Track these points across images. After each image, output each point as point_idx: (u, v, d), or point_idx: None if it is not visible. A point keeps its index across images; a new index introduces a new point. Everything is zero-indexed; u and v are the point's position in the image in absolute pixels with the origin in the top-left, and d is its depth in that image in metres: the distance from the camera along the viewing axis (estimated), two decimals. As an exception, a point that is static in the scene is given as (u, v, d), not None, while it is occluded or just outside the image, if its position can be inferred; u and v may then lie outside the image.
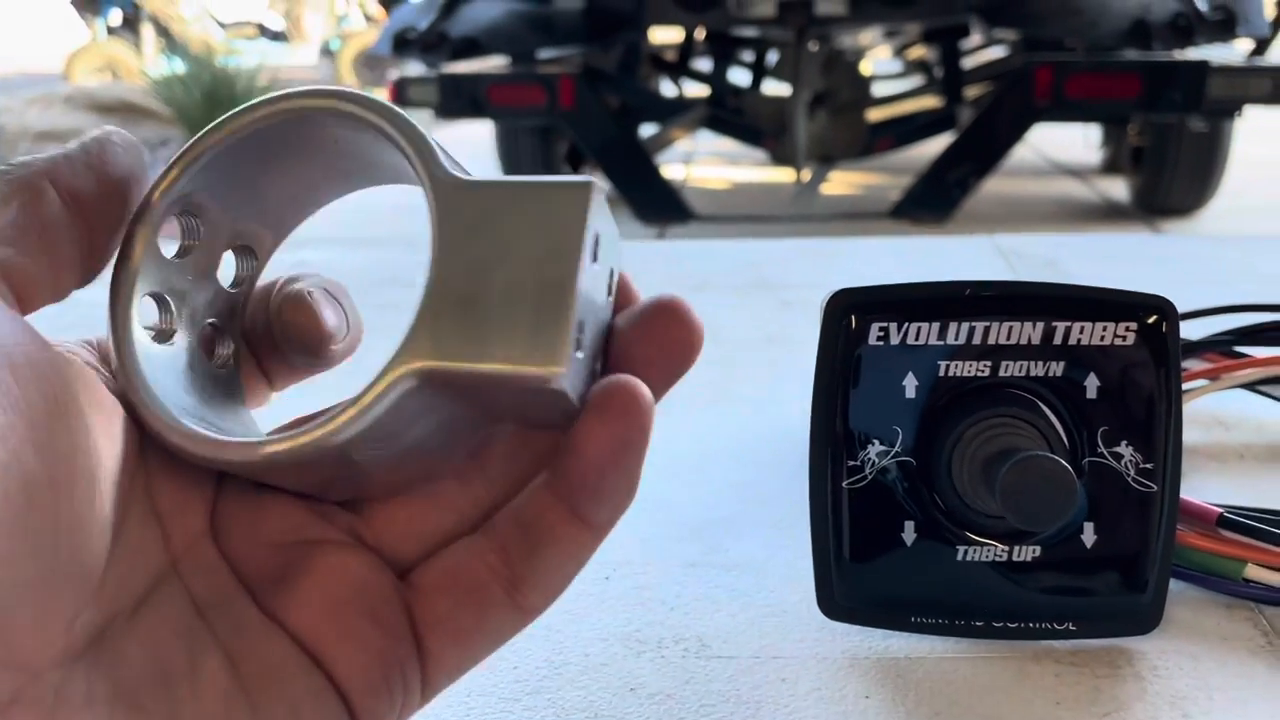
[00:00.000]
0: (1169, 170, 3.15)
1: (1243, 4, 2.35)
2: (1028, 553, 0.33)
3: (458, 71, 2.77)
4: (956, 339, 0.33)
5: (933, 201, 2.75)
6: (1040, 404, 0.33)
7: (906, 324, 0.33)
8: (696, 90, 3.80)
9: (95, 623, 0.21)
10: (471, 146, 3.87)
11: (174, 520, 0.24)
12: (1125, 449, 0.33)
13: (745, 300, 0.70)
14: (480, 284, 0.22)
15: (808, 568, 0.34)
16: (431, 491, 0.25)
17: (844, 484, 0.34)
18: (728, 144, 3.78)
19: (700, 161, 4.11)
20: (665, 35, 3.59)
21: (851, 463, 0.34)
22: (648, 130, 3.17)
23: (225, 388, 0.27)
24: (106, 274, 0.25)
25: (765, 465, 0.48)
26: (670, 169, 3.50)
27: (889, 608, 0.34)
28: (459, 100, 2.79)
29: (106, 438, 0.21)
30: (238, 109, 0.25)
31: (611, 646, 0.35)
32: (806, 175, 3.00)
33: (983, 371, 0.33)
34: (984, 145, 2.71)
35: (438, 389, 0.22)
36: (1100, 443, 0.33)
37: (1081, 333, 0.33)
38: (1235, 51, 2.62)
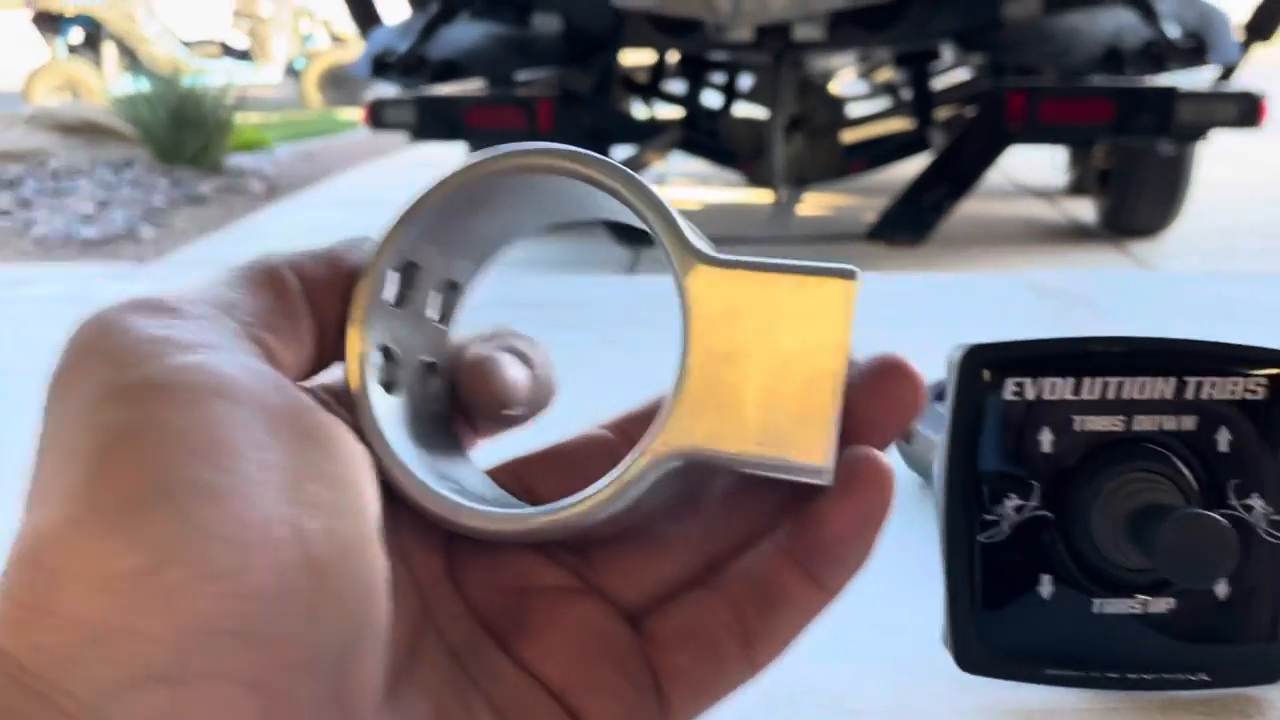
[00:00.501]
0: (1135, 192, 3.21)
1: (1213, 32, 2.41)
2: (1163, 604, 0.34)
3: (435, 93, 2.76)
4: (1090, 394, 0.34)
5: (909, 224, 2.78)
6: (1174, 458, 0.33)
7: (1041, 379, 0.34)
8: (668, 112, 3.82)
9: (390, 673, 0.21)
10: (442, 171, 3.88)
11: (419, 564, 0.24)
12: (1257, 501, 0.34)
13: None
14: (741, 368, 0.22)
15: (932, 619, 0.34)
16: (653, 537, 0.25)
17: (980, 537, 0.34)
18: (700, 166, 3.80)
19: (673, 183, 4.13)
20: (637, 58, 3.61)
21: (987, 517, 0.34)
22: (621, 152, 3.19)
23: (442, 425, 0.27)
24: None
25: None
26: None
27: (1025, 660, 0.34)
28: (436, 123, 2.79)
29: (371, 488, 0.22)
30: (466, 164, 0.25)
31: (744, 702, 0.35)
32: (783, 196, 3.02)
33: (1117, 426, 0.34)
34: (959, 168, 2.75)
35: (694, 467, 0.23)
36: (1232, 495, 0.34)
37: (1213, 387, 0.33)
38: (1201, 77, 2.68)
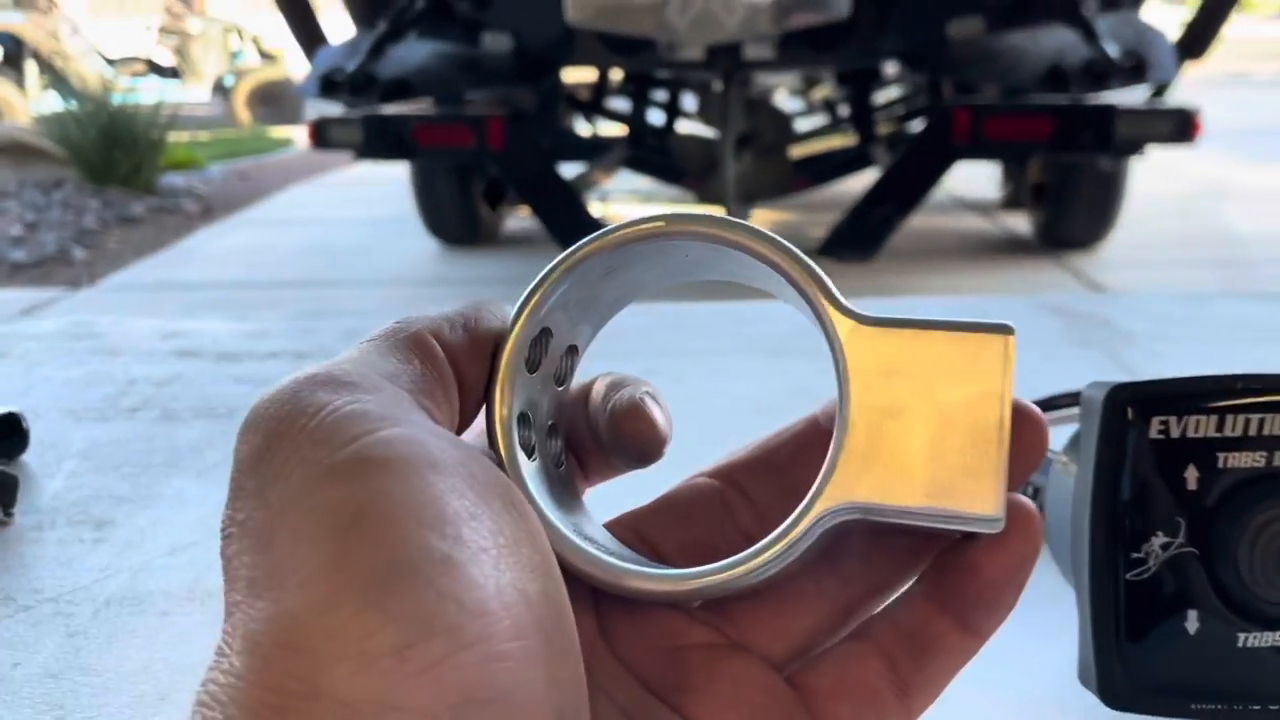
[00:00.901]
0: (1070, 206, 3.30)
1: (1152, 50, 2.49)
2: (1304, 636, 0.34)
3: (382, 112, 2.74)
4: (1233, 430, 0.34)
5: (858, 240, 2.82)
6: (1315, 492, 0.34)
7: (1185, 417, 0.34)
8: (612, 130, 3.83)
9: None
10: (382, 188, 3.86)
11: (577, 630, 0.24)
12: (1391, 533, 0.34)
13: (775, 365, 0.70)
14: (903, 423, 0.23)
15: (1053, 648, 0.35)
16: (789, 591, 0.26)
17: (1126, 576, 0.34)
18: (643, 182, 3.82)
19: (616, 199, 4.14)
20: (579, 75, 3.62)
21: (1135, 555, 0.34)
22: (570, 170, 3.18)
23: (567, 486, 0.27)
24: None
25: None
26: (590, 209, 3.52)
27: (1170, 694, 0.35)
28: (383, 142, 2.77)
29: (554, 558, 0.22)
30: (605, 232, 0.25)
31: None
32: (732, 213, 3.04)
33: (1259, 462, 0.34)
34: (906, 185, 2.80)
35: (857, 522, 0.23)
36: (1368, 528, 0.34)
37: (1349, 422, 0.34)
38: (1137, 95, 2.76)
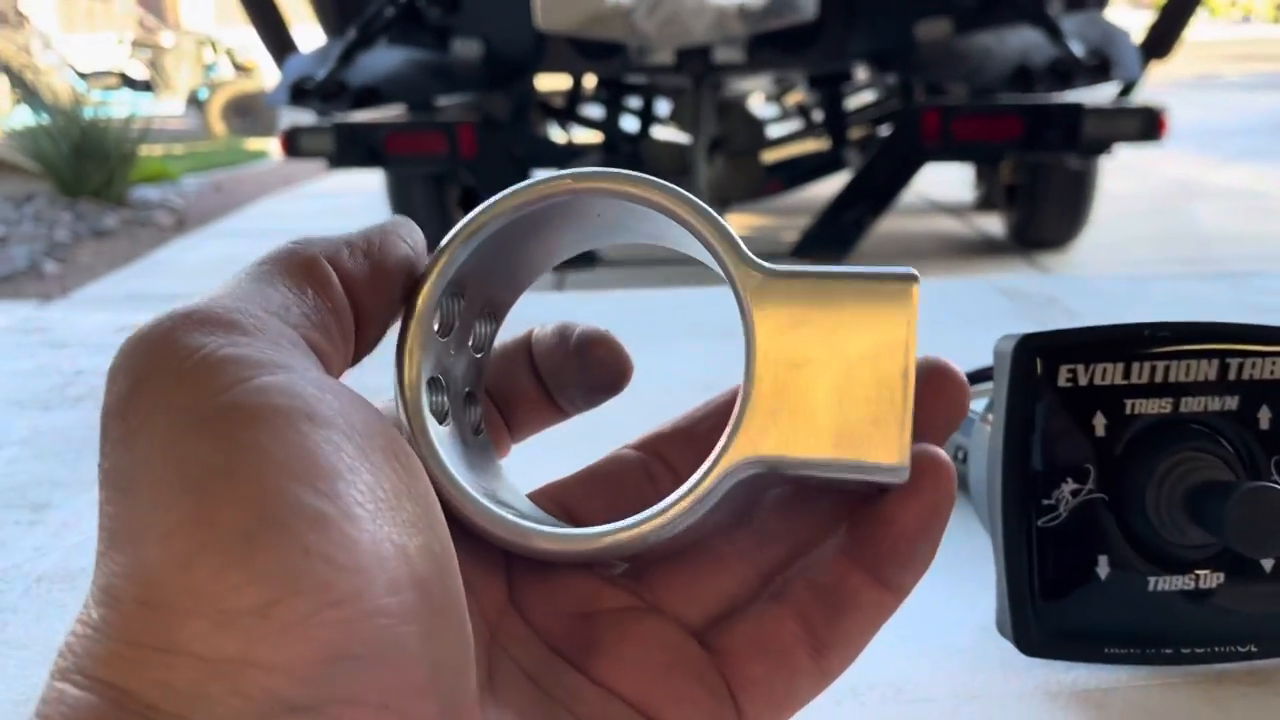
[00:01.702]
0: (1041, 206, 3.32)
1: (1117, 49, 2.51)
2: (1213, 580, 0.35)
3: (354, 120, 2.73)
4: (1140, 378, 0.35)
5: (831, 242, 2.83)
6: (1220, 437, 0.35)
7: (1093, 365, 0.34)
8: (586, 136, 3.83)
9: (477, 695, 0.21)
10: (357, 198, 3.84)
11: (483, 592, 0.24)
12: (1297, 476, 0.35)
13: (719, 347, 0.69)
14: (808, 375, 0.23)
15: (977, 605, 0.35)
16: (706, 554, 0.26)
17: (1038, 523, 0.35)
18: (619, 188, 3.81)
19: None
20: (553, 82, 3.62)
21: (1045, 501, 0.35)
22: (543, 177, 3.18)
23: (485, 453, 0.27)
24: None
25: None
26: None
27: (1084, 641, 0.35)
28: (356, 150, 2.76)
29: (440, 509, 0.21)
30: (514, 189, 0.25)
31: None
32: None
33: (1165, 408, 0.35)
34: (877, 186, 2.81)
35: (764, 476, 0.23)
36: (1274, 471, 0.35)
37: (1254, 367, 0.35)
38: (1105, 93, 2.78)
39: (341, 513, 0.18)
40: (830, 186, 3.18)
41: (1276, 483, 0.35)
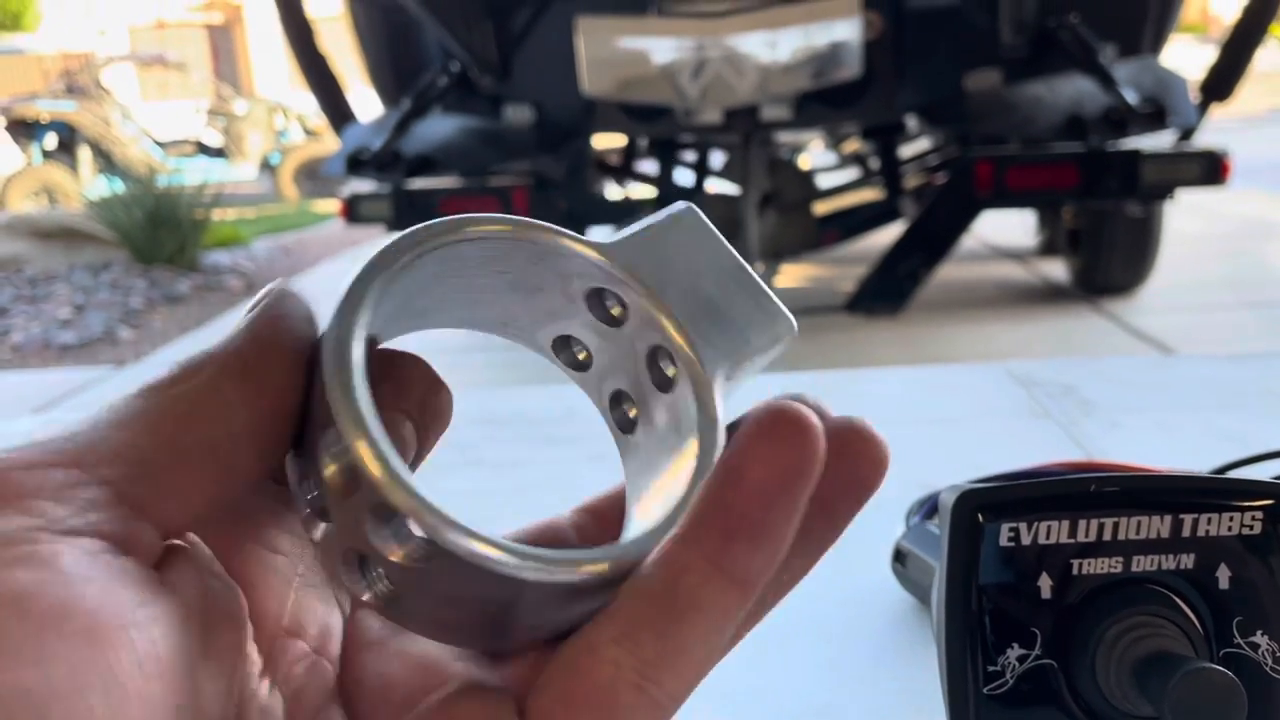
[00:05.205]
0: (1106, 251, 3.26)
1: (1171, 97, 2.46)
2: (1174, 749, 0.33)
3: (411, 187, 2.79)
4: (1087, 535, 0.33)
5: (886, 294, 2.80)
6: (1176, 598, 0.33)
7: (1036, 523, 0.33)
8: (641, 192, 3.86)
9: None
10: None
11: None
12: (1261, 639, 0.33)
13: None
14: (696, 305, 0.24)
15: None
16: None
17: (984, 690, 0.33)
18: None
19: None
20: (609, 140, 3.66)
21: (991, 668, 0.33)
22: (598, 234, 3.21)
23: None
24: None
25: (847, 639, 0.47)
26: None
27: (1037, 813, 0.33)
28: (412, 215, 2.81)
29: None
30: (398, 238, 0.23)
31: None
32: (760, 270, 3.04)
33: (1115, 568, 0.33)
34: (932, 237, 2.78)
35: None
36: (1236, 633, 0.33)
37: (1209, 523, 0.33)
38: (1164, 138, 2.73)
39: None
40: (887, 235, 3.15)
41: (1240, 647, 0.33)
